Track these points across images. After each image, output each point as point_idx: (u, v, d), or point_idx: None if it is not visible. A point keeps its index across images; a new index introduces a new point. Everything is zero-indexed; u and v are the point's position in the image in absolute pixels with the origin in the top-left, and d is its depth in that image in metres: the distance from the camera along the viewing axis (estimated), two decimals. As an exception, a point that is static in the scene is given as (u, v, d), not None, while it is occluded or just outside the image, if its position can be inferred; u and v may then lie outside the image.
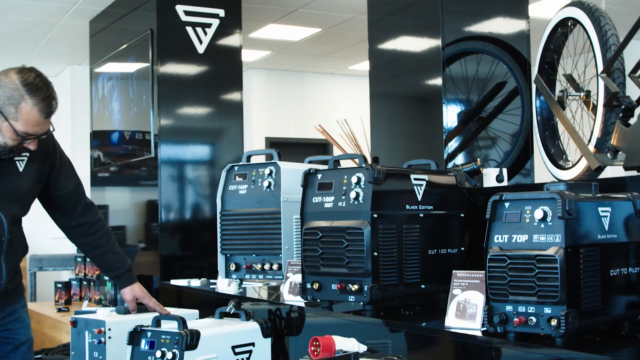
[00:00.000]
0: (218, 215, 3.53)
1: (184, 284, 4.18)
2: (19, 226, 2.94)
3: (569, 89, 3.29)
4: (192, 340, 2.74)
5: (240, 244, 3.48)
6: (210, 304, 3.66)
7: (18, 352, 2.96)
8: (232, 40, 6.23)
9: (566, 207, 2.01)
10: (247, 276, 3.49)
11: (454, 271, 2.47)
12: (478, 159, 3.53)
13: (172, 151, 5.94)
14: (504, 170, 3.48)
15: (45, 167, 2.97)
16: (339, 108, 9.74)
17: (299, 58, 9.66)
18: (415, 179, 2.94)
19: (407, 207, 2.90)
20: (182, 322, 2.85)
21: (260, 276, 3.45)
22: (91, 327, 3.37)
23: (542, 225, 2.06)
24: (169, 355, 2.73)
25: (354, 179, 2.82)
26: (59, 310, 6.68)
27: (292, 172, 3.45)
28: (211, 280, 4.20)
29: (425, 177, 2.98)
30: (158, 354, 2.76)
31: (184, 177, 6.02)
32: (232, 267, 3.51)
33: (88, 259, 6.76)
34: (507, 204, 2.16)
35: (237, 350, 2.92)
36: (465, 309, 2.31)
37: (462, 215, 3.13)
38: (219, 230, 3.53)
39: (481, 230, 3.07)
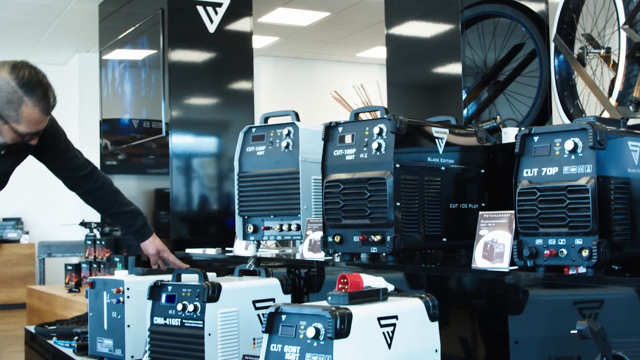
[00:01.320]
0: (235, 177, 3.52)
1: (199, 252, 4.17)
2: None
3: (589, 46, 3.28)
4: (213, 292, 2.72)
5: (258, 206, 3.46)
6: (228, 271, 3.65)
7: None
8: (242, 24, 6.20)
9: (597, 137, 2.00)
10: (265, 237, 3.47)
11: (480, 212, 2.46)
12: (498, 117, 3.52)
13: (183, 140, 5.91)
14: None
15: (28, 150, 2.97)
16: (347, 96, 9.72)
17: (307, 44, 9.65)
18: (436, 132, 2.92)
19: (429, 159, 2.88)
20: (203, 275, 2.84)
21: (279, 237, 3.44)
22: (109, 287, 3.36)
23: (573, 157, 2.05)
24: (190, 307, 2.72)
25: (375, 130, 2.80)
26: (70, 290, 6.67)
27: (310, 132, 3.44)
28: (227, 248, 4.19)
29: (446, 130, 2.96)
30: (179, 307, 2.74)
31: (195, 167, 5.99)
32: (250, 229, 3.50)
33: (98, 242, 6.75)
34: (536, 138, 2.14)
35: (257, 305, 2.91)
36: (493, 249, 2.29)
37: (482, 171, 3.11)
38: (236, 192, 3.52)
39: (500, 188, 3.08)
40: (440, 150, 2.92)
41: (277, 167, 3.41)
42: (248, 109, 6.18)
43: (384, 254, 2.77)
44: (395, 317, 2.05)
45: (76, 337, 3.66)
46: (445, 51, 4.19)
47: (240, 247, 3.73)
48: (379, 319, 2.01)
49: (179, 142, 5.82)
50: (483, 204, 3.09)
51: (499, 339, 2.31)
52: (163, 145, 5.89)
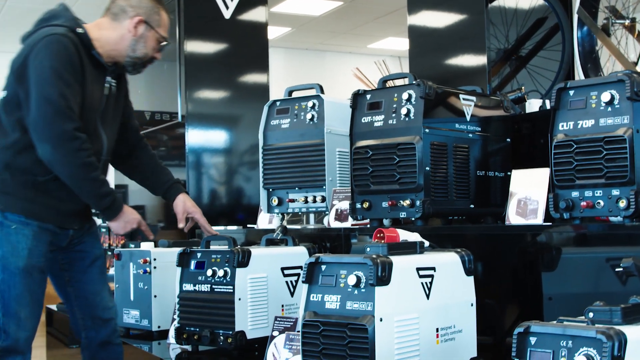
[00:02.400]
0: (260, 151, 3.54)
1: (220, 229, 4.19)
2: (111, 153, 2.93)
3: (613, 17, 3.29)
4: (243, 257, 2.73)
5: (282, 178, 3.47)
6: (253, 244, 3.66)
7: (95, 266, 2.93)
8: (257, 14, 6.17)
9: (634, 88, 2.01)
10: (290, 210, 3.49)
11: (513, 170, 2.47)
12: (522, 87, 3.53)
13: (199, 133, 5.87)
14: (547, 102, 3.47)
15: (128, 100, 3.07)
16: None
17: (318, 35, 9.66)
18: (464, 99, 2.94)
19: (457, 125, 2.90)
20: (232, 241, 2.85)
21: (303, 209, 3.45)
22: (136, 258, 3.39)
23: (609, 109, 2.06)
24: (220, 272, 2.73)
25: (404, 96, 2.82)
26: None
27: (335, 105, 3.46)
28: (249, 225, 4.20)
29: (474, 98, 2.98)
30: (209, 272, 2.76)
31: (209, 160, 5.97)
32: (274, 201, 3.51)
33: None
34: (571, 92, 2.15)
35: (286, 272, 2.92)
36: (527, 205, 2.31)
37: (508, 140, 3.12)
38: (261, 165, 3.54)
39: (525, 159, 3.09)
40: (468, 118, 2.94)
41: (302, 140, 3.42)
42: (263, 101, 6.10)
43: (413, 219, 2.78)
44: (433, 268, 2.07)
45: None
46: (469, 36, 4.18)
47: (264, 221, 3.75)
48: (418, 269, 2.02)
49: (195, 135, 5.80)
50: (509, 173, 3.09)
51: (533, 295, 2.32)
52: (177, 138, 5.87)
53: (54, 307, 4.57)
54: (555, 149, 2.13)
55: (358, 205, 2.92)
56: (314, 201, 3.40)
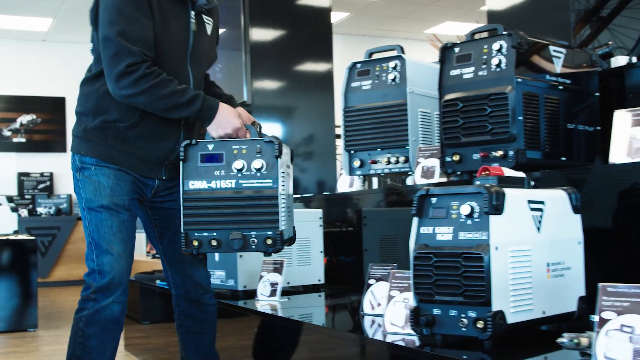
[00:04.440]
0: (341, 113, 3.54)
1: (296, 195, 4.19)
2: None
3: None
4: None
5: (364, 140, 3.48)
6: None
7: None
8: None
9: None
10: (372, 171, 3.49)
11: (616, 111, 2.43)
12: (609, 42, 3.48)
13: (265, 126, 5.82)
14: (634, 58, 3.42)
15: (218, 37, 2.86)
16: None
17: (376, 21, 9.65)
18: (554, 51, 2.90)
19: (547, 77, 2.87)
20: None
21: (386, 170, 3.44)
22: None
23: None
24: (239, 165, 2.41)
25: (495, 47, 2.80)
26: (153, 257, 6.78)
27: (417, 65, 3.45)
28: (325, 193, 4.21)
29: (564, 50, 2.94)
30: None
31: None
32: (357, 163, 3.51)
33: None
34: None
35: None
36: (632, 145, 2.27)
37: (597, 94, 3.08)
38: (342, 127, 3.54)
39: (610, 115, 3.04)
40: (558, 70, 2.90)
41: (384, 100, 3.42)
42: (326, 89, 6.05)
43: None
44: (542, 202, 2.05)
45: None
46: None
47: (344, 184, 3.75)
48: (529, 201, 2.01)
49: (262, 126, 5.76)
50: (598, 127, 3.06)
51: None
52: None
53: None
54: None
55: (448, 159, 2.90)
56: (397, 162, 3.40)
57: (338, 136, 5.82)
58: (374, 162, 3.46)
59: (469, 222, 1.92)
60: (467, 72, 2.87)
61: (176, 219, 2.61)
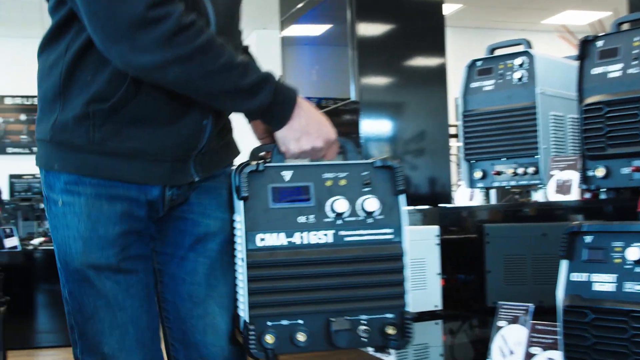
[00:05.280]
0: (460, 117, 3.13)
1: (409, 208, 3.81)
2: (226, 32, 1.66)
3: None
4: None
5: (486, 148, 3.06)
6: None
7: (203, 250, 1.68)
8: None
9: None
10: (496, 184, 3.06)
11: None
12: None
13: (374, 121, 5.53)
14: None
15: None
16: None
17: (490, 11, 9.12)
18: None
19: None
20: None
21: (512, 182, 3.01)
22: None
23: None
24: None
25: (648, 38, 2.34)
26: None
27: (547, 61, 3.01)
28: (440, 205, 3.81)
29: None
30: None
31: (376, 149, 5.62)
32: (478, 174, 3.10)
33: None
34: None
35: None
36: None
37: None
38: (461, 133, 3.13)
39: None
40: None
41: (509, 103, 2.99)
42: (437, 85, 5.73)
43: (663, 187, 2.30)
44: None
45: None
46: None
47: (464, 197, 3.33)
48: None
49: (370, 123, 5.46)
50: None
51: None
52: (350, 124, 5.53)
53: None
54: None
55: (590, 173, 2.46)
56: (525, 173, 2.96)
57: (452, 135, 5.52)
58: (498, 173, 3.03)
59: (638, 269, 1.49)
60: (613, 70, 2.42)
61: (183, 237, 1.65)
